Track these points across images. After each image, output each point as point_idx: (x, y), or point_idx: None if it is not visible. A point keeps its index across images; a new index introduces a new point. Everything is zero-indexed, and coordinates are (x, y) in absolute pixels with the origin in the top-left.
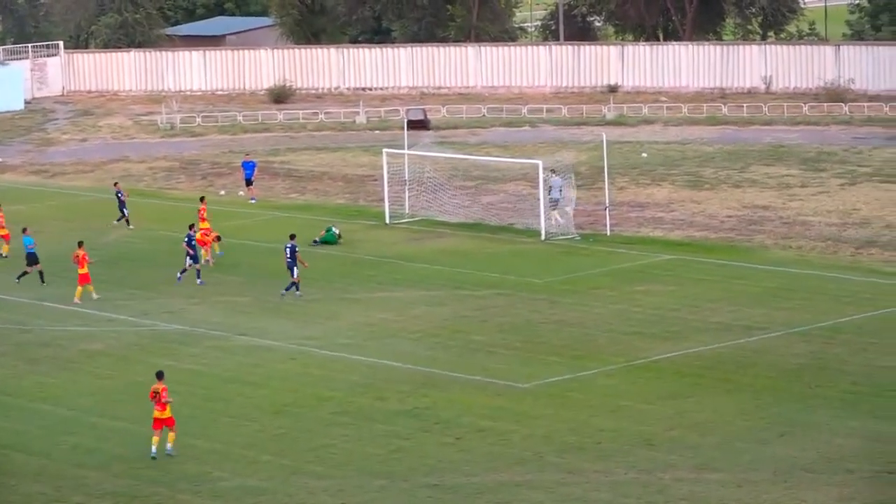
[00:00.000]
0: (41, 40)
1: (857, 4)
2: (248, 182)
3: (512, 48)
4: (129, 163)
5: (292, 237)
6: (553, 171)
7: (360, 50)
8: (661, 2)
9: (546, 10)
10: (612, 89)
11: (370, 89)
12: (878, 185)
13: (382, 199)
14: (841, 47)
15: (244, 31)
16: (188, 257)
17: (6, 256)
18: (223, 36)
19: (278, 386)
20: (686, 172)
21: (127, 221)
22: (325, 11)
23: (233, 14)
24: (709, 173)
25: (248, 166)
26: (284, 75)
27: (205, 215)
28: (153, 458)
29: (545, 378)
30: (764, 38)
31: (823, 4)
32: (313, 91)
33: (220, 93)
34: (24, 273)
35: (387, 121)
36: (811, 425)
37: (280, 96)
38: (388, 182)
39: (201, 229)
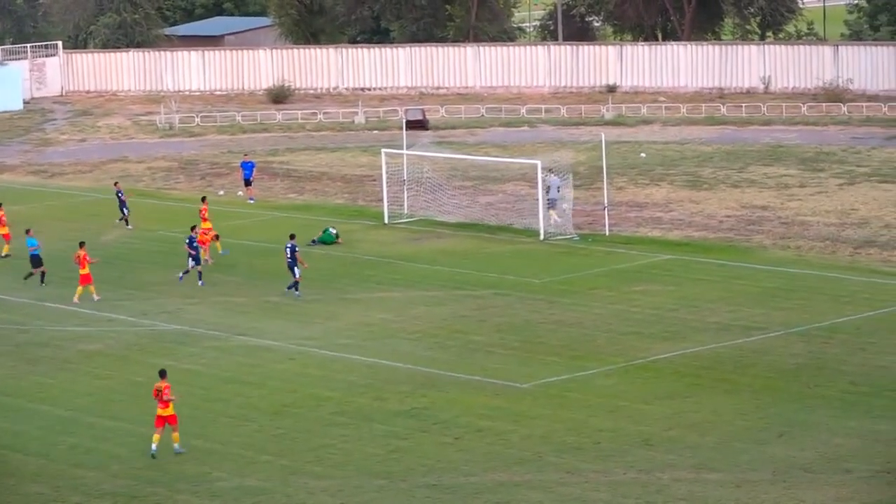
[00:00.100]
0: (40, 40)
1: (856, 4)
2: (247, 182)
3: (510, 48)
4: (128, 163)
5: (292, 237)
6: (550, 170)
7: (359, 50)
8: (660, 2)
9: (545, 10)
10: (611, 89)
11: (369, 89)
12: (877, 185)
13: (381, 200)
14: (839, 47)
15: (243, 32)
16: (190, 258)
17: (6, 256)
18: (222, 36)
19: (277, 386)
20: (685, 172)
21: (126, 221)
22: (324, 11)
23: (231, 14)
24: (707, 173)
25: (247, 166)
26: (283, 75)
27: (206, 215)
28: (153, 456)
29: (544, 378)
30: (762, 38)
31: (822, 4)
32: (312, 91)
33: (218, 93)
34: (31, 274)
35: (385, 121)
36: (810, 425)
37: (279, 96)
38: (387, 182)
39: (202, 229)
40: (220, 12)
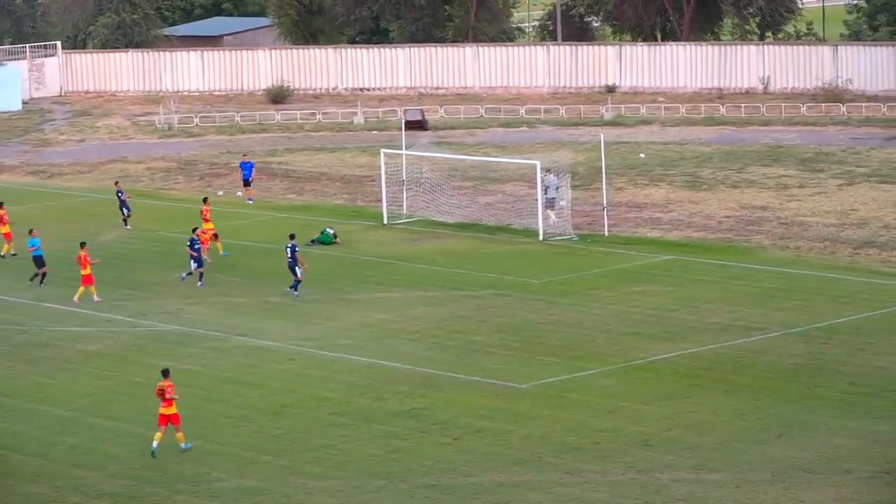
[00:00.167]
0: (39, 40)
1: (855, 5)
2: (246, 182)
3: (510, 48)
4: (127, 163)
5: (292, 237)
6: (548, 170)
7: (358, 50)
8: (659, 2)
9: (544, 10)
10: (610, 90)
11: (368, 90)
12: (876, 185)
13: (380, 200)
14: (839, 48)
15: (242, 32)
16: (192, 260)
17: (8, 255)
18: (221, 36)
19: (276, 386)
20: (684, 173)
21: (125, 221)
22: (323, 12)
23: (230, 14)
24: (707, 174)
25: (246, 167)
26: (282, 76)
27: (208, 216)
28: (153, 454)
29: (543, 378)
30: (762, 38)
31: (821, 5)
32: (311, 91)
33: (217, 93)
34: (36, 275)
35: (384, 121)
36: (809, 426)
37: (278, 97)
38: (386, 182)
39: (203, 230)
40: (219, 12)
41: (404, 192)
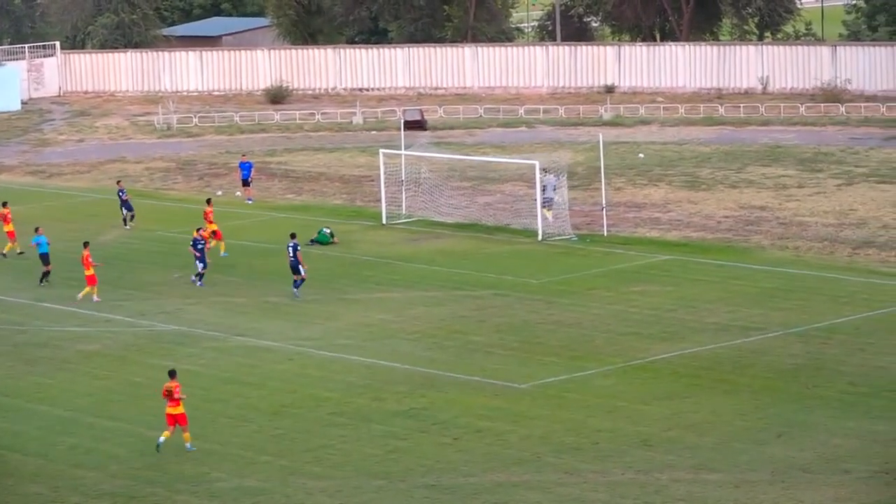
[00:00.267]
0: (38, 41)
1: (854, 5)
2: (245, 183)
3: (509, 49)
4: (126, 163)
5: (293, 236)
6: (546, 170)
7: (357, 50)
8: (658, 2)
9: (543, 10)
10: (609, 90)
11: (367, 90)
12: (875, 185)
13: (379, 200)
14: (837, 48)
15: (241, 32)
16: (197, 260)
17: (11, 254)
18: (220, 36)
19: (276, 387)
20: (683, 173)
21: (124, 221)
22: (322, 12)
23: (229, 15)
24: (706, 174)
25: (245, 167)
26: (281, 76)
27: (211, 218)
28: (157, 447)
29: (543, 378)
30: (761, 38)
31: (820, 5)
32: (310, 92)
33: (216, 93)
34: (46, 273)
35: (383, 121)
36: (809, 426)
37: (277, 97)
38: (385, 182)
39: (206, 230)
40: (218, 13)
41: (403, 193)
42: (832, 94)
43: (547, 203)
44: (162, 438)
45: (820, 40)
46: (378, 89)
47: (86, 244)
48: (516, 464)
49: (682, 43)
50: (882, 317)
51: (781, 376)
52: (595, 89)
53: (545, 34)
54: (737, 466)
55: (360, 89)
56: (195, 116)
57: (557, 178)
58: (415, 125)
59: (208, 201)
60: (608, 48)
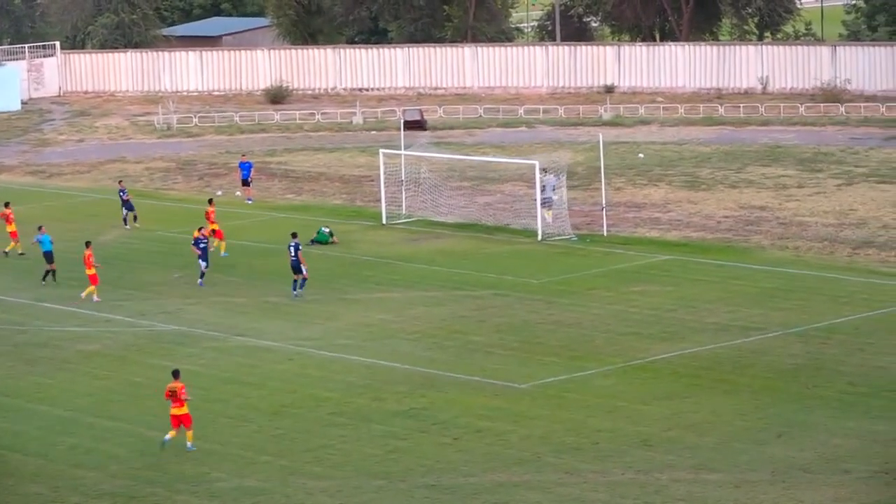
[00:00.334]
0: (38, 41)
1: (854, 5)
2: (245, 182)
3: (508, 49)
4: (126, 163)
5: (294, 235)
6: (545, 170)
7: (357, 50)
8: (658, 2)
9: (542, 10)
10: (609, 90)
11: (367, 90)
12: (875, 185)
13: (379, 200)
14: (837, 48)
15: (241, 32)
16: (200, 259)
17: (13, 254)
18: (220, 36)
19: (276, 387)
20: (683, 173)
21: (125, 221)
22: (322, 12)
23: (229, 15)
24: (705, 174)
25: (245, 167)
26: (281, 76)
27: (213, 218)
28: (163, 444)
29: (543, 378)
30: (760, 38)
31: (820, 5)
32: (310, 92)
33: (216, 93)
34: (48, 272)
35: (383, 121)
36: (808, 426)
37: (277, 97)
38: (385, 182)
39: (208, 230)
40: (218, 13)
41: (403, 192)
42: (832, 94)
43: (546, 203)
44: (168, 437)
45: (820, 40)
46: (378, 89)
47: (88, 244)
48: (516, 464)
49: (681, 43)
50: (882, 317)
51: (781, 376)
52: (595, 89)
53: (545, 34)
54: (737, 466)
55: (360, 89)
56: (195, 116)
57: (557, 177)
58: (415, 125)
59: (210, 201)
60: (608, 48)
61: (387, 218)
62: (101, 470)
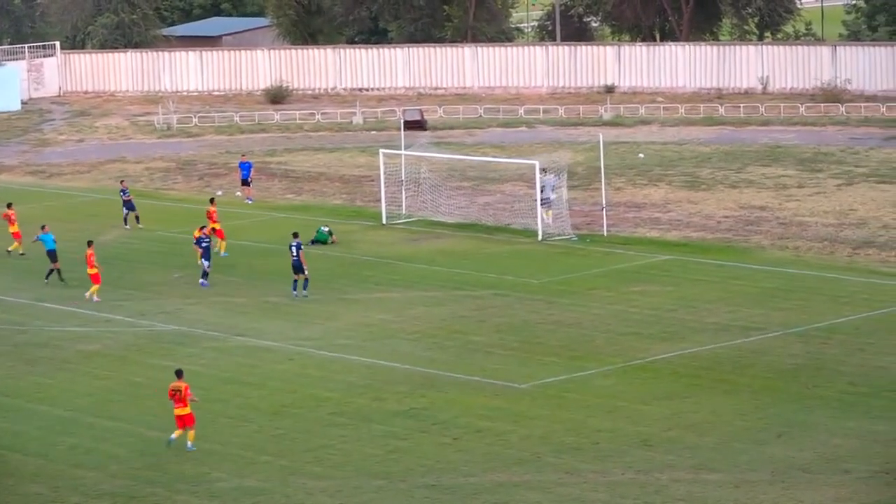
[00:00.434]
0: (38, 41)
1: (854, 5)
2: (245, 182)
3: (508, 48)
4: (126, 163)
5: (296, 235)
6: (545, 170)
7: (357, 50)
8: (658, 2)
9: (542, 10)
10: (609, 90)
11: (367, 90)
12: (875, 185)
13: (379, 200)
14: (837, 48)
15: (241, 32)
16: (202, 258)
17: (15, 254)
18: (220, 36)
19: (276, 387)
20: (683, 173)
21: (125, 220)
22: (322, 12)
23: (229, 15)
24: (705, 174)
25: (245, 167)
26: (281, 76)
27: (215, 217)
28: (169, 442)
29: (543, 378)
30: (760, 38)
31: (820, 5)
32: (310, 92)
33: (216, 93)
34: (57, 271)
35: (383, 121)
36: (809, 426)
37: (277, 97)
38: (385, 182)
39: (209, 229)
40: (218, 13)
41: (403, 192)
42: (832, 94)
43: (545, 203)
44: (174, 436)
45: (820, 40)
46: (378, 89)
47: (90, 243)
48: (516, 464)
49: (681, 43)
50: (882, 317)
51: (781, 376)
52: (595, 89)
53: (545, 34)
54: (737, 466)
55: (360, 89)
56: (195, 116)
57: (557, 178)
58: (415, 125)
59: (212, 200)
60: (608, 48)
61: (387, 218)
62: (101, 470)
